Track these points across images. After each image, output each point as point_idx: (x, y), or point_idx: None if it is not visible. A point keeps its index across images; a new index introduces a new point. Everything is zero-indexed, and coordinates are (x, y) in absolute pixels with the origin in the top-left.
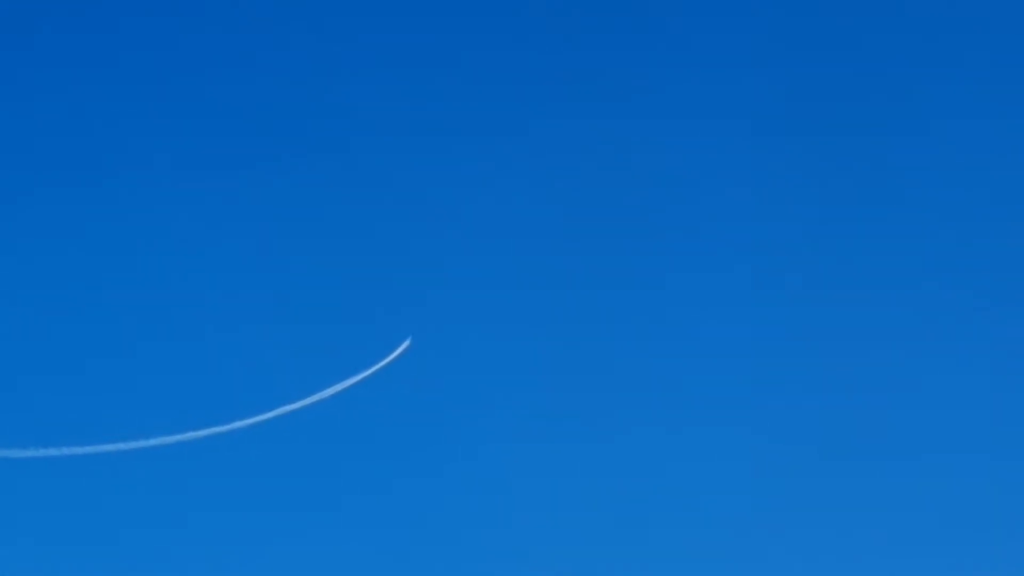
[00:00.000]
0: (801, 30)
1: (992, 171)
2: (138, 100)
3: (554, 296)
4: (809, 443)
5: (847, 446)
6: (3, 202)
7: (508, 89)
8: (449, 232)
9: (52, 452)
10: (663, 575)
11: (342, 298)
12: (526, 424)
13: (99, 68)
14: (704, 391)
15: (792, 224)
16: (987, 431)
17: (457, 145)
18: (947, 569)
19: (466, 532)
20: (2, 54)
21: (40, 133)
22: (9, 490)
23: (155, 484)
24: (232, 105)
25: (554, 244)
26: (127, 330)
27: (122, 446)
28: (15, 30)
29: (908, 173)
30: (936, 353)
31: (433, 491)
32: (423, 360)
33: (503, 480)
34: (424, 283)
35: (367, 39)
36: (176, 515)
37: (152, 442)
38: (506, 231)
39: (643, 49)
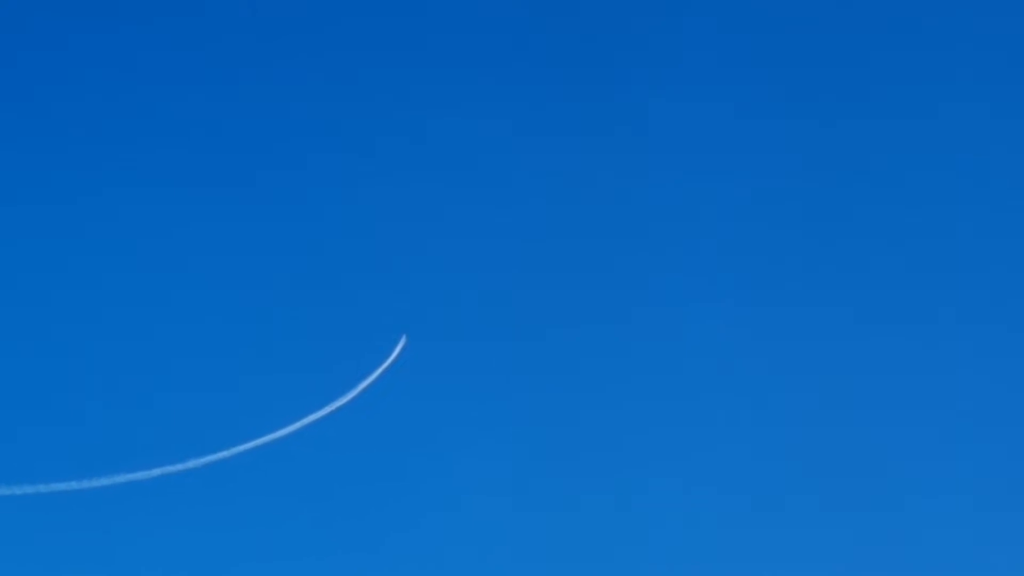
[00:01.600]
0: (800, 31)
1: (995, 172)
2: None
3: (553, 295)
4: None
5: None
6: None
7: (505, 89)
8: (441, 230)
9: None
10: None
11: (328, 304)
12: (527, 424)
13: (97, 68)
14: (706, 391)
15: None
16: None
17: (454, 143)
18: None
19: (467, 535)
20: (3, 54)
21: (34, 138)
22: None
23: (156, 512)
24: (220, 110)
25: (552, 243)
26: (118, 345)
27: (120, 479)
28: (15, 30)
29: (907, 175)
30: (937, 359)
31: (437, 496)
32: (421, 359)
33: (504, 482)
34: (413, 281)
35: (360, 39)
36: (179, 539)
37: (155, 472)
38: (502, 229)
39: (642, 49)
